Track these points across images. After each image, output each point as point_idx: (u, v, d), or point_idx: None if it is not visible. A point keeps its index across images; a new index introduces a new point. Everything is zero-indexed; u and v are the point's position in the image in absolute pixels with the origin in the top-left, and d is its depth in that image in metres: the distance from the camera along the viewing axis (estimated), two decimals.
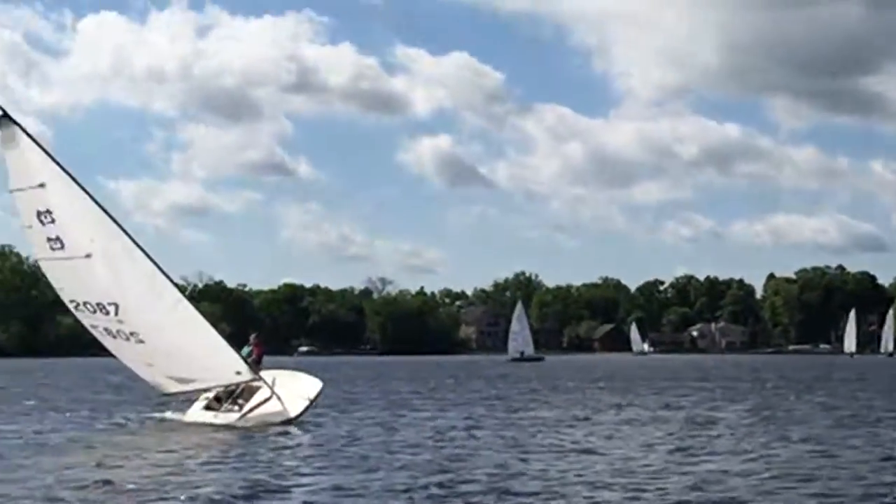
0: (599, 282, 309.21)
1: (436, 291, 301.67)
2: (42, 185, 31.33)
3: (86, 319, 32.53)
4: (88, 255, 31.54)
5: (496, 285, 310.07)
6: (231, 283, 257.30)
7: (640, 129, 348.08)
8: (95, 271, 31.67)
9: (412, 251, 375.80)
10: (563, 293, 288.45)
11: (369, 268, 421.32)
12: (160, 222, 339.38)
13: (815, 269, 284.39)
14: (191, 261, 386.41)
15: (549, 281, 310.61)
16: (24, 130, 31.76)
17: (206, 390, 33.69)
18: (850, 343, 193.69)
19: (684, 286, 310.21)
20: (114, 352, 33.27)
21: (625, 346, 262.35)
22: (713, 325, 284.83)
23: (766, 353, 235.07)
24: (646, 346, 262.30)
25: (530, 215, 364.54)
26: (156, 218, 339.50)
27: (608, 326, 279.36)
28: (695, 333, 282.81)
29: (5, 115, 31.63)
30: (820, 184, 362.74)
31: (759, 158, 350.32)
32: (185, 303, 32.69)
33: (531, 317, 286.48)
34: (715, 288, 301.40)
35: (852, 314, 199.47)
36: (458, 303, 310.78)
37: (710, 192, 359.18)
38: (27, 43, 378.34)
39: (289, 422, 31.16)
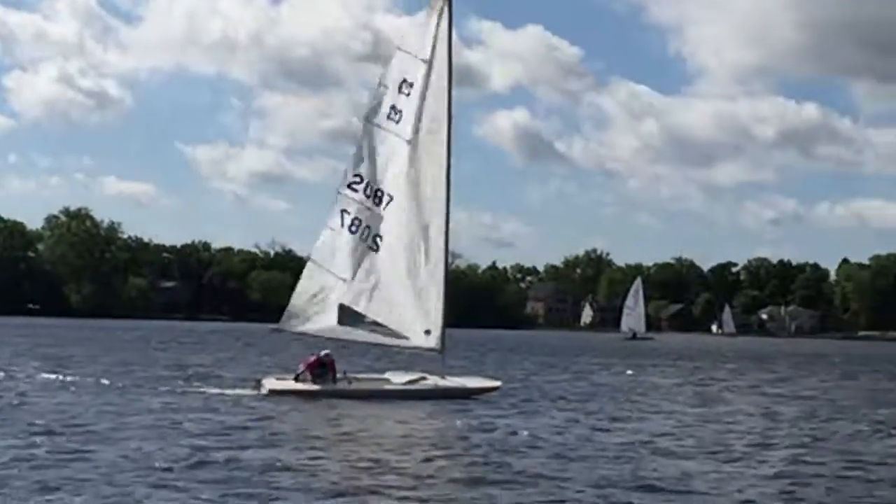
0: (672, 262, 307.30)
1: (507, 267, 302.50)
2: (425, 62, 33.11)
3: (348, 200, 33.42)
4: (409, 142, 33.30)
5: (567, 262, 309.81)
6: (304, 252, 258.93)
7: (717, 109, 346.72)
8: (404, 157, 33.29)
9: (492, 224, 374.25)
10: (632, 272, 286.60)
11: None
12: (237, 188, 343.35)
13: (889, 255, 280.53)
14: (267, 227, 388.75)
15: (622, 259, 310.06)
16: (450, 13, 33.31)
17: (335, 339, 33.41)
18: None
19: (757, 269, 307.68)
20: (323, 251, 33.70)
21: (692, 326, 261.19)
22: (783, 308, 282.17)
23: (835, 338, 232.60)
24: (714, 328, 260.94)
25: (608, 192, 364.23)
26: (232, 184, 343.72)
27: (677, 306, 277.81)
28: (764, 316, 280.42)
29: None
30: None
31: (839, 141, 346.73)
32: (445, 233, 33.77)
33: (599, 294, 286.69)
34: (788, 271, 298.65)
35: None
36: (528, 278, 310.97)
37: (791, 174, 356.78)
38: (102, 7, 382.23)
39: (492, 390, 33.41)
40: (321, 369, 32.26)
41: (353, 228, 33.33)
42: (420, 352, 34.53)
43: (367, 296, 33.20)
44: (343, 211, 33.59)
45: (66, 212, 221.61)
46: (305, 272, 33.91)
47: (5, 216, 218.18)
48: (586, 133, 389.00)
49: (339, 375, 32.47)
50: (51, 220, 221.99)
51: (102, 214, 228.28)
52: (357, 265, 33.33)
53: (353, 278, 33.28)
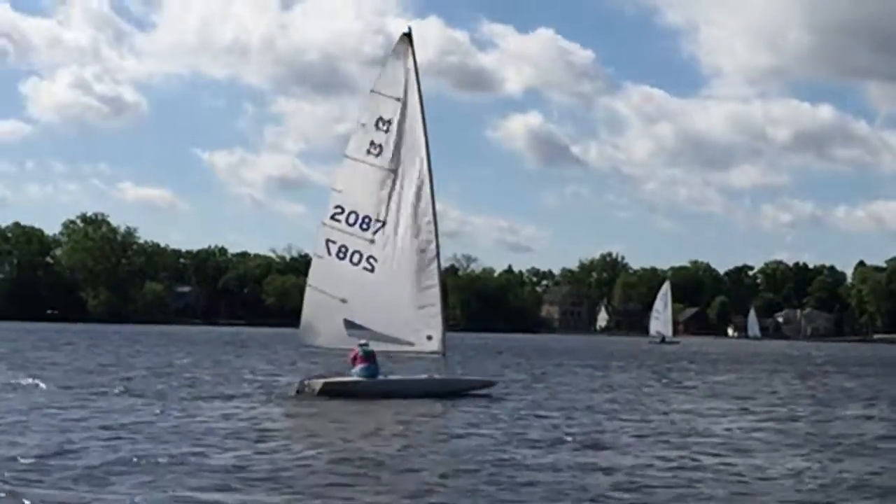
0: (688, 265, 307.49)
1: (523, 270, 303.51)
2: (398, 100, 36.48)
3: (332, 231, 35.98)
4: (392, 170, 36.25)
5: (582, 266, 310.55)
6: None
7: (731, 111, 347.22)
8: (388, 186, 36.17)
9: (508, 228, 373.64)
10: (647, 275, 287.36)
11: (463, 244, 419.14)
12: (254, 193, 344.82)
13: None
14: (285, 232, 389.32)
15: (638, 262, 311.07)
16: (413, 54, 36.77)
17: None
18: None
19: (773, 272, 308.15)
20: (317, 276, 36.03)
21: (708, 329, 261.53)
22: (799, 311, 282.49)
23: (851, 341, 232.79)
24: (730, 331, 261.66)
25: (624, 195, 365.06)
26: (249, 188, 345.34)
27: (692, 310, 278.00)
28: (780, 319, 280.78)
29: (409, 36, 36.94)
30: None
31: (855, 143, 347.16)
32: (435, 248, 36.31)
33: (614, 297, 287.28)
34: (804, 274, 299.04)
35: None
36: (544, 282, 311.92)
37: (807, 177, 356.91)
38: (116, 13, 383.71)
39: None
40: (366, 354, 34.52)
41: (341, 255, 35.78)
42: (424, 356, 36.73)
43: (369, 312, 35.54)
44: (328, 241, 35.96)
45: (84, 217, 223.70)
46: (306, 297, 36.34)
47: (24, 222, 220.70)
48: (601, 136, 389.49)
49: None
50: (68, 226, 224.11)
51: (120, 220, 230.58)
52: (353, 286, 35.62)
53: (352, 298, 35.62)
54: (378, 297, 35.51)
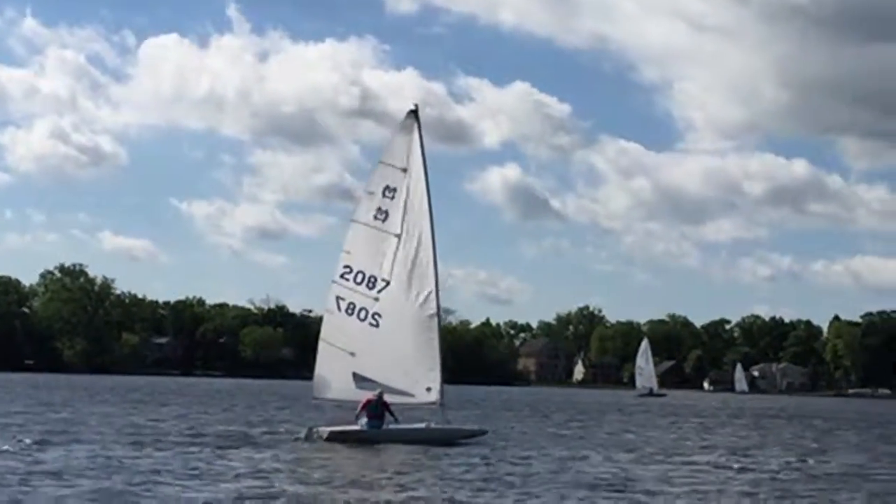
0: (666, 318, 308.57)
1: (501, 323, 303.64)
2: (404, 170, 40.13)
3: (341, 289, 39.53)
4: (397, 235, 39.72)
5: (559, 318, 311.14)
6: (297, 308, 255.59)
7: (707, 165, 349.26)
8: (393, 249, 39.62)
9: (487, 280, 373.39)
10: (624, 328, 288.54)
11: (443, 297, 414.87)
12: (233, 243, 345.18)
13: (880, 313, 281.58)
14: (264, 282, 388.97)
15: (615, 315, 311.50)
16: (419, 129, 40.46)
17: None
18: None
19: (750, 326, 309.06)
20: (329, 331, 39.49)
21: (684, 383, 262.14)
22: (775, 365, 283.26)
23: (826, 395, 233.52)
24: (706, 385, 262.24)
25: (602, 249, 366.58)
26: (229, 239, 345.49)
27: (669, 363, 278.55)
28: (756, 374, 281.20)
29: (415, 112, 40.64)
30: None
31: (830, 198, 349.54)
32: (435, 307, 39.63)
33: (591, 351, 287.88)
34: (780, 328, 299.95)
35: None
36: (522, 335, 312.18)
37: (784, 231, 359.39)
38: (91, 64, 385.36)
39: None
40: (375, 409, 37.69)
41: (350, 311, 39.24)
42: (424, 406, 39.83)
43: (374, 364, 38.87)
44: (338, 297, 39.44)
45: (61, 268, 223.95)
46: (319, 350, 39.70)
47: (1, 273, 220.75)
48: (579, 189, 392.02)
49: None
50: (45, 276, 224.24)
51: (99, 270, 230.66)
52: (361, 341, 39.07)
53: (360, 352, 39.04)
54: (382, 352, 38.83)
